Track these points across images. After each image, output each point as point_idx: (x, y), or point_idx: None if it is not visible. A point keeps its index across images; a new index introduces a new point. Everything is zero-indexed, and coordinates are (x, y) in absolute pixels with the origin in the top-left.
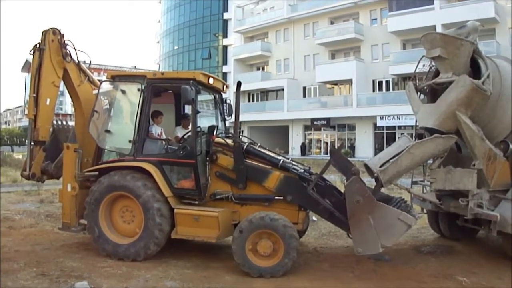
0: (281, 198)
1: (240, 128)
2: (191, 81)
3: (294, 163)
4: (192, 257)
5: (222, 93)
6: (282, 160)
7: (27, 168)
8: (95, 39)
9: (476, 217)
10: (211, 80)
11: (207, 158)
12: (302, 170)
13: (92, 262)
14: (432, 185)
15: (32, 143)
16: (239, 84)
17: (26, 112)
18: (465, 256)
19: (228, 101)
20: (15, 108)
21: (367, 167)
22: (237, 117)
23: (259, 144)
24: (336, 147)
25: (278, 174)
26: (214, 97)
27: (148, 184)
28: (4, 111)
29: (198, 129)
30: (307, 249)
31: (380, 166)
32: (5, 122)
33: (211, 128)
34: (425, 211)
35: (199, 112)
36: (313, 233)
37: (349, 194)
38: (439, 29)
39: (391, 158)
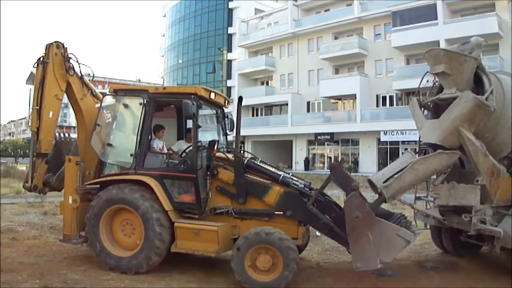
0: (281, 213)
1: (242, 143)
2: (193, 96)
3: (294, 178)
4: (195, 271)
5: (224, 108)
6: (282, 175)
7: (29, 180)
8: (101, 52)
9: (479, 233)
10: (212, 95)
11: (208, 173)
12: (302, 185)
13: (95, 275)
14: (435, 200)
15: (34, 155)
16: (240, 99)
17: (30, 124)
18: (468, 272)
19: (229, 116)
20: (19, 119)
21: (370, 182)
22: (238, 131)
23: (260, 159)
24: (337, 163)
25: (278, 189)
26: (216, 111)
27: (146, 195)
28: (8, 123)
29: (199, 144)
30: (310, 264)
31: (384, 182)
32: (9, 134)
33: (212, 143)
34: (428, 226)
35: (200, 126)
36: (316, 248)
37: (348, 210)
38: (442, 44)
39: (394, 174)
